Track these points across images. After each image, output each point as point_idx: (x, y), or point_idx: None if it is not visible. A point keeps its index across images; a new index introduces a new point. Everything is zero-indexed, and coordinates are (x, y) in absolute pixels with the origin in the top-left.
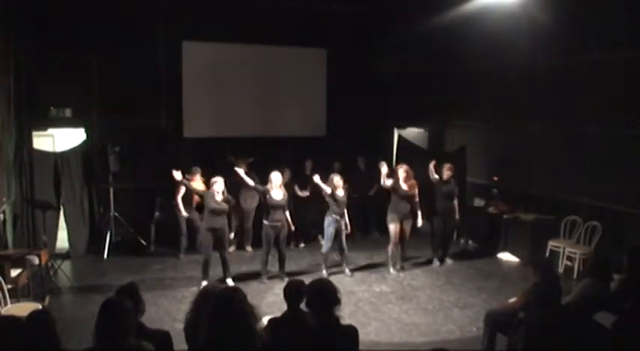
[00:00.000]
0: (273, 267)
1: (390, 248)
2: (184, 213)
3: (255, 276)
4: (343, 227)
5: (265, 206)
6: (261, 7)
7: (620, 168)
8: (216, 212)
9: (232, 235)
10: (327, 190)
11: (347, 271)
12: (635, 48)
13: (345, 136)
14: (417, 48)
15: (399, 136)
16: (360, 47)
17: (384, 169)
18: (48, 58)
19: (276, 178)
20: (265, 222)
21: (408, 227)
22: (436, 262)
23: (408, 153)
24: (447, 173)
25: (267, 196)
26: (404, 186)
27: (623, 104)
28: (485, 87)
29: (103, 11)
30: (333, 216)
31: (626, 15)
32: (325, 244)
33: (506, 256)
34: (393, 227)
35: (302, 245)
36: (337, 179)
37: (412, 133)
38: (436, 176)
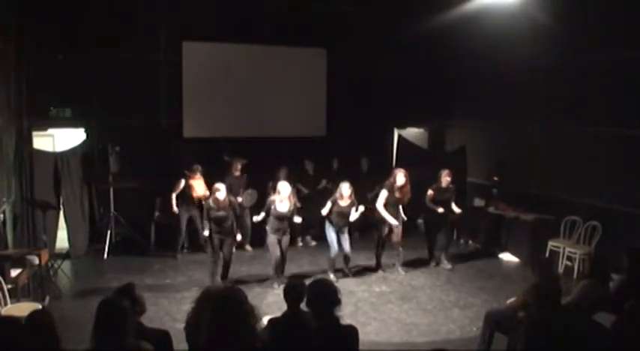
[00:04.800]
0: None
1: (376, 250)
2: (175, 208)
3: (254, 276)
4: (345, 233)
5: (268, 215)
6: (261, 7)
7: (621, 168)
8: (217, 220)
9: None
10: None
11: (346, 271)
12: (634, 48)
13: (345, 136)
14: (417, 48)
15: (399, 136)
16: (360, 47)
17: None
18: (48, 58)
19: (284, 189)
20: (268, 229)
21: (398, 230)
22: (432, 263)
23: (408, 153)
24: (445, 180)
25: (272, 207)
26: (396, 193)
27: (623, 104)
28: (485, 87)
29: (103, 11)
30: (330, 224)
31: (626, 15)
32: (331, 248)
33: (506, 256)
34: (379, 233)
35: (300, 244)
36: (345, 188)
37: (412, 133)
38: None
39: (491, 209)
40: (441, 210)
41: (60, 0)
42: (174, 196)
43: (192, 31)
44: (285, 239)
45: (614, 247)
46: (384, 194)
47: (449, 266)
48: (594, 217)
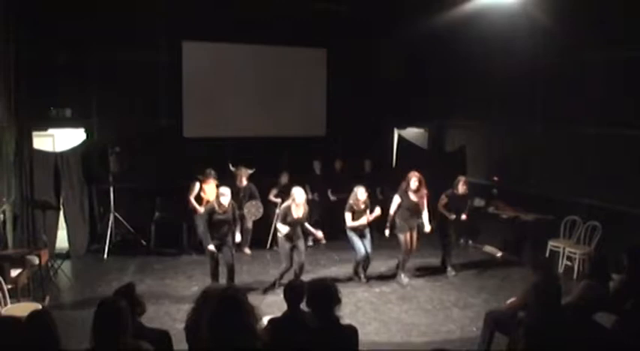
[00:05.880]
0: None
1: (401, 257)
2: (199, 208)
3: (254, 276)
4: (367, 235)
5: (283, 221)
6: (261, 7)
7: (620, 168)
8: (217, 224)
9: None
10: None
11: (362, 277)
12: (634, 48)
13: (345, 136)
14: (417, 48)
15: (399, 136)
16: (360, 47)
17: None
18: (48, 58)
19: (299, 195)
20: (280, 236)
21: (415, 236)
22: (452, 272)
23: (408, 153)
24: (462, 188)
25: (287, 214)
26: (412, 196)
27: (623, 104)
28: (485, 87)
29: (102, 11)
30: (352, 228)
31: (626, 14)
32: (358, 253)
33: (497, 253)
34: (402, 237)
35: (310, 243)
36: (361, 192)
37: (412, 133)
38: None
39: (491, 209)
40: (453, 216)
41: (60, 0)
42: (192, 199)
43: (192, 31)
44: (300, 246)
45: (614, 247)
46: (396, 200)
47: (452, 273)
48: (594, 217)
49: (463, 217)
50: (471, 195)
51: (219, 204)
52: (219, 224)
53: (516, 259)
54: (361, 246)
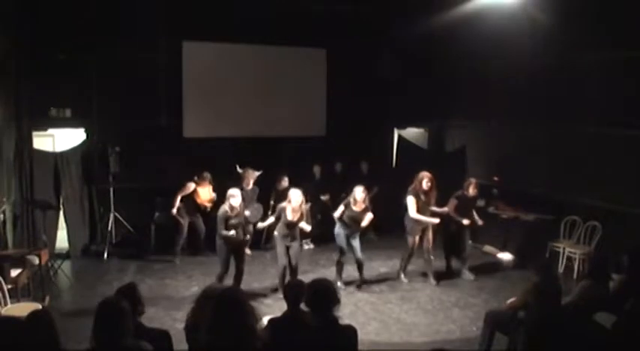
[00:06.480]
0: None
1: (403, 257)
2: (174, 210)
3: (254, 276)
4: (357, 238)
5: (278, 221)
6: (261, 7)
7: (620, 168)
8: (233, 228)
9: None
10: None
11: (359, 281)
12: (634, 48)
13: (345, 136)
14: (417, 48)
15: (399, 136)
16: (360, 47)
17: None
18: (48, 58)
19: (296, 198)
20: (276, 234)
21: (429, 236)
22: (467, 275)
23: (408, 153)
24: (473, 190)
25: (282, 215)
26: (422, 197)
27: (623, 104)
28: (485, 87)
29: (102, 11)
30: (341, 227)
31: (626, 15)
32: (341, 252)
33: (506, 256)
34: (411, 240)
35: (307, 246)
36: (359, 192)
37: (412, 133)
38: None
39: (491, 209)
40: (466, 221)
41: (60, 0)
42: (179, 197)
43: (192, 30)
44: (295, 246)
45: (614, 247)
46: (412, 201)
47: (472, 277)
48: (594, 217)
49: (480, 222)
50: (478, 199)
51: (232, 207)
52: (233, 229)
53: (516, 259)
54: (345, 247)
